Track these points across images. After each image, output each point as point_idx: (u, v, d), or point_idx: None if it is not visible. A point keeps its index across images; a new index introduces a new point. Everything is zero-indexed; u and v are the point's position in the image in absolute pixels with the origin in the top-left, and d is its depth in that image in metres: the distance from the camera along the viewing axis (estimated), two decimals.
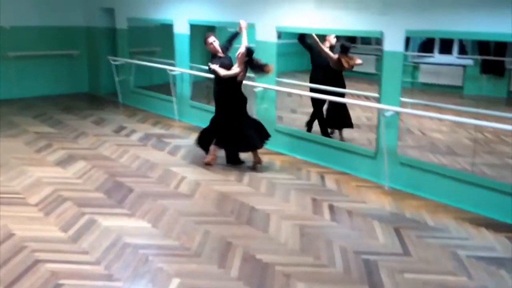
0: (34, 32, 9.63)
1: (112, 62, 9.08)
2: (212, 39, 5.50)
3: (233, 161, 5.64)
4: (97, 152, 6.17)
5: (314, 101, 6.19)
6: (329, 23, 5.49)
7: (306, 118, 6.45)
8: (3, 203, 4.53)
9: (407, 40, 4.90)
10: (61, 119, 7.95)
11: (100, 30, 9.92)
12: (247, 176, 5.29)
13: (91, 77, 10.42)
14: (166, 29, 7.99)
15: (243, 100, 5.41)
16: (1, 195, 4.72)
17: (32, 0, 9.50)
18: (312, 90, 6.09)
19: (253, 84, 6.24)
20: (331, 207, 4.56)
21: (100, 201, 4.61)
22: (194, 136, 6.79)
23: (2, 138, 6.73)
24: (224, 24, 6.95)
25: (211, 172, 5.41)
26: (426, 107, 5.35)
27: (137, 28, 9.10)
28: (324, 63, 6.04)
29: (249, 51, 5.21)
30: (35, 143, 6.53)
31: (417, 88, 7.14)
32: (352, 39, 7.10)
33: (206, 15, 7.14)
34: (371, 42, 7.53)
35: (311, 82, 6.26)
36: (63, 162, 5.75)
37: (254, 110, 6.32)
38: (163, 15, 8.02)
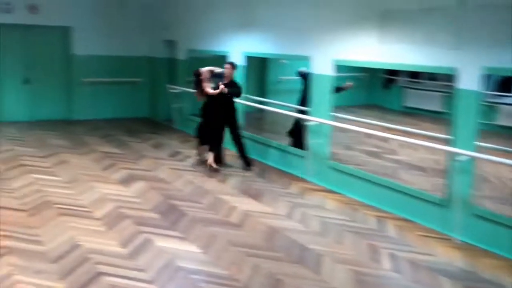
0: (106, 60, 10.39)
1: (170, 91, 9.58)
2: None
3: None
4: (154, 174, 6.50)
5: None
6: (393, 57, 5.21)
7: (363, 155, 6.31)
8: (73, 215, 4.90)
9: (484, 78, 4.41)
10: (124, 140, 8.45)
11: (161, 60, 10.52)
12: (298, 212, 5.28)
13: (151, 103, 10.99)
14: (222, 61, 8.35)
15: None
16: (71, 208, 5.11)
17: (105, 33, 10.27)
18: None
19: (307, 118, 6.32)
20: (391, 256, 4.26)
21: (155, 222, 4.86)
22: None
23: (74, 156, 7.25)
24: (278, 56, 7.18)
25: (261, 204, 5.52)
26: (505, 153, 4.75)
27: (195, 59, 9.55)
28: None
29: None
30: (102, 162, 6.98)
31: (494, 131, 6.46)
32: (414, 74, 6.88)
33: (261, 47, 7.33)
34: (437, 78, 7.06)
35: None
36: (125, 181, 6.12)
37: (306, 144, 6.39)
38: (220, 47, 8.41)
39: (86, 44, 10.12)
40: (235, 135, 6.90)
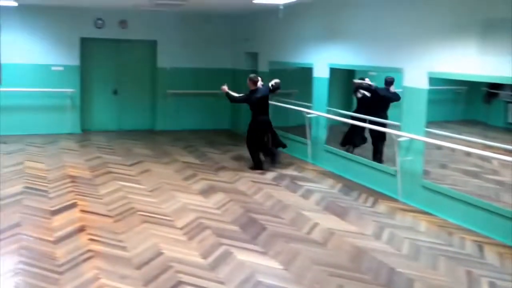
0: (189, 73, 10.83)
1: None
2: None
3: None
4: (234, 186, 6.55)
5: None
6: (495, 69, 4.85)
7: (459, 175, 5.93)
8: (155, 223, 5.06)
9: None
10: (205, 152, 8.67)
11: (243, 72, 10.68)
12: (387, 233, 5.03)
13: (232, 115, 11.22)
14: (305, 72, 8.31)
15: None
16: (154, 216, 5.28)
17: (188, 46, 10.72)
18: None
19: (398, 134, 6.06)
20: (491, 285, 3.95)
21: (236, 234, 4.86)
22: (328, 181, 6.90)
23: (157, 165, 7.57)
24: (366, 68, 6.98)
25: (346, 222, 5.33)
26: None
27: (276, 71, 9.59)
28: None
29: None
30: (183, 172, 7.19)
31: None
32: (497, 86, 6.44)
33: (348, 59, 7.19)
34: None
35: None
36: (205, 192, 6.23)
37: (397, 161, 6.14)
38: (303, 59, 8.36)
39: (170, 57, 10.62)
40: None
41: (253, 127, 7.54)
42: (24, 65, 9.64)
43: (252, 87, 7.50)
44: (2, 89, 9.45)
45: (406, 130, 5.96)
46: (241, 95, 7.73)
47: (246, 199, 6.03)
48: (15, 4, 8.63)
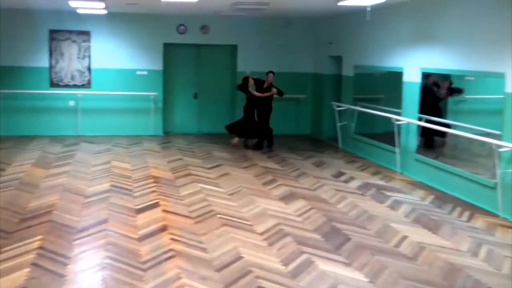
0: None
1: (335, 108, 9.62)
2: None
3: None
4: (316, 194, 6.54)
5: None
6: None
7: None
8: (235, 227, 5.20)
9: None
10: (285, 157, 8.75)
11: (326, 77, 10.69)
12: (484, 250, 4.74)
13: (314, 120, 11.21)
14: (393, 77, 8.10)
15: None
16: (234, 219, 5.43)
17: (269, 50, 10.91)
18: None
19: (498, 143, 5.68)
20: None
21: (318, 243, 4.84)
22: (418, 192, 6.66)
23: (237, 169, 7.78)
24: (463, 72, 6.67)
25: (438, 236, 5.09)
26: None
27: (362, 75, 9.48)
28: None
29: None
30: (263, 177, 7.32)
31: None
32: None
33: (442, 63, 6.90)
34: None
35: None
36: (285, 198, 6.29)
37: (497, 173, 5.77)
38: (392, 62, 8.15)
39: (250, 61, 10.86)
40: (264, 127, 9.39)
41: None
42: (111, 70, 10.40)
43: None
44: (92, 92, 10.26)
45: (509, 140, 5.59)
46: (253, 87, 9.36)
47: (329, 207, 5.99)
48: (105, 12, 9.36)
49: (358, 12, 8.69)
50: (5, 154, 8.34)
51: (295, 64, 11.14)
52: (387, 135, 8.12)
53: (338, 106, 9.61)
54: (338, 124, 9.70)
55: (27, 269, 4.07)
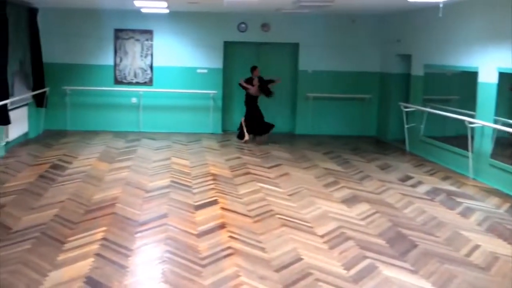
0: (332, 76, 10.94)
1: (403, 109, 9.39)
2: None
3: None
4: (380, 198, 6.42)
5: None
6: None
7: None
8: (295, 228, 5.21)
9: None
10: (348, 159, 8.65)
11: (393, 76, 10.45)
12: None
13: (379, 121, 11.00)
14: (466, 77, 7.79)
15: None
16: (293, 220, 5.45)
17: (332, 48, 10.88)
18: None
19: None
20: None
21: (382, 248, 4.75)
22: (492, 199, 6.39)
23: (297, 169, 7.79)
24: None
25: None
26: None
27: (432, 75, 9.19)
28: None
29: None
30: (324, 178, 7.28)
31: None
32: None
33: None
34: None
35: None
36: (347, 201, 6.22)
37: None
38: (466, 62, 7.84)
39: (312, 60, 10.86)
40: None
41: (253, 109, 9.86)
42: (172, 68, 10.74)
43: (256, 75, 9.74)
44: (153, 89, 10.64)
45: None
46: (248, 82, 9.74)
47: (394, 212, 5.86)
48: (167, 11, 9.69)
49: (429, 9, 8.44)
50: (72, 148, 8.85)
51: (360, 63, 11.01)
52: (459, 138, 7.85)
53: (406, 107, 9.37)
54: (406, 126, 9.46)
55: (91, 259, 4.30)
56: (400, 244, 4.87)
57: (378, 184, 7.04)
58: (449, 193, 6.67)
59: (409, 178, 7.45)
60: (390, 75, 10.57)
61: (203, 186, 6.68)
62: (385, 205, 6.12)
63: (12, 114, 8.26)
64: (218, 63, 10.83)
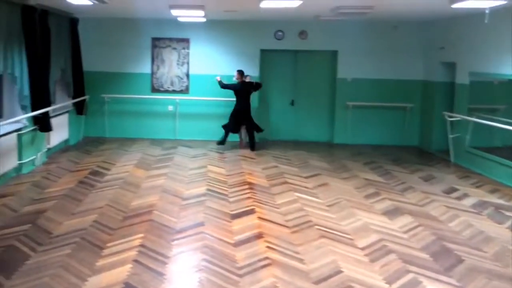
0: (372, 84, 10.81)
1: (447, 118, 9.17)
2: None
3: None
4: (424, 210, 6.27)
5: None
6: None
7: None
8: (334, 239, 5.15)
9: None
10: (389, 169, 8.51)
11: (437, 84, 10.23)
12: None
13: (422, 131, 10.78)
14: None
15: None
16: (332, 232, 5.39)
17: (372, 56, 10.76)
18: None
19: None
20: None
21: (425, 263, 4.64)
22: None
23: (336, 180, 7.71)
24: None
25: None
26: None
27: (478, 83, 8.94)
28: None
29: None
30: (364, 189, 7.18)
31: None
32: None
33: None
34: None
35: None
36: (389, 213, 6.11)
37: None
38: None
39: (351, 67, 10.78)
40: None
41: (234, 113, 9.88)
42: (208, 76, 10.83)
43: (240, 79, 9.80)
44: (189, 97, 10.80)
45: None
46: (231, 83, 9.91)
47: (439, 225, 5.71)
48: (204, 20, 9.85)
49: (474, 15, 8.25)
50: (110, 154, 9.06)
51: (402, 71, 10.84)
52: (507, 149, 7.59)
53: (450, 117, 9.15)
54: (450, 136, 9.23)
55: (129, 265, 4.38)
56: (445, 259, 4.75)
57: (421, 196, 6.89)
58: (498, 207, 6.45)
59: (454, 190, 7.26)
60: (433, 84, 10.36)
61: (239, 195, 6.70)
62: (429, 218, 5.98)
63: (54, 121, 8.55)
64: (254, 71, 10.88)
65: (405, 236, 5.34)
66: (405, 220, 5.85)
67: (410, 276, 4.34)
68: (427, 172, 8.35)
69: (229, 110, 10.41)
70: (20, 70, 7.40)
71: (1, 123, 6.85)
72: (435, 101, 10.25)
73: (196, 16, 9.14)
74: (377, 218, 5.92)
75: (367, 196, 6.82)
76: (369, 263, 4.60)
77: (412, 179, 7.85)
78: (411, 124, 10.85)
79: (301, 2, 6.37)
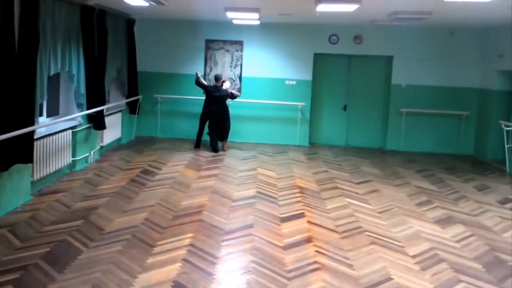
0: (427, 91, 10.63)
1: (504, 127, 8.92)
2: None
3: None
4: (477, 220, 6.15)
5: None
6: None
7: None
8: (384, 246, 5.15)
9: None
10: (442, 178, 8.36)
11: (494, 93, 9.94)
12: None
13: (477, 140, 10.51)
14: None
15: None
16: (383, 238, 5.39)
17: (428, 62, 10.59)
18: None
19: None
20: None
21: (478, 273, 4.58)
22: None
23: (387, 186, 7.67)
24: None
25: None
26: None
27: None
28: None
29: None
30: (416, 197, 7.11)
31: None
32: None
33: None
34: None
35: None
36: (441, 222, 6.03)
37: None
38: None
39: (406, 74, 10.65)
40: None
41: (201, 114, 10.11)
42: (261, 79, 11.01)
43: (217, 84, 9.96)
44: (242, 100, 10.98)
45: None
46: (207, 84, 10.16)
47: (492, 236, 5.60)
48: (258, 22, 10.00)
49: None
50: (161, 154, 9.37)
51: (458, 78, 10.61)
52: None
53: (507, 126, 8.89)
54: (507, 146, 8.97)
55: (179, 264, 4.55)
56: (498, 270, 4.67)
57: (475, 206, 6.75)
58: None
59: (509, 201, 7.06)
60: (490, 92, 10.08)
61: (289, 199, 6.79)
62: (482, 228, 5.87)
63: (107, 120, 8.91)
64: (307, 75, 10.95)
65: (457, 245, 5.27)
66: (457, 230, 5.76)
67: (461, 285, 4.31)
68: (481, 182, 8.15)
69: (279, 113, 10.55)
70: (77, 68, 7.64)
71: (58, 120, 7.22)
72: (492, 109, 9.97)
73: (251, 18, 9.31)
74: (429, 226, 5.86)
75: (419, 204, 6.75)
76: (420, 271, 4.59)
77: (466, 188, 7.69)
78: (466, 132, 10.60)
79: (358, 6, 6.38)
